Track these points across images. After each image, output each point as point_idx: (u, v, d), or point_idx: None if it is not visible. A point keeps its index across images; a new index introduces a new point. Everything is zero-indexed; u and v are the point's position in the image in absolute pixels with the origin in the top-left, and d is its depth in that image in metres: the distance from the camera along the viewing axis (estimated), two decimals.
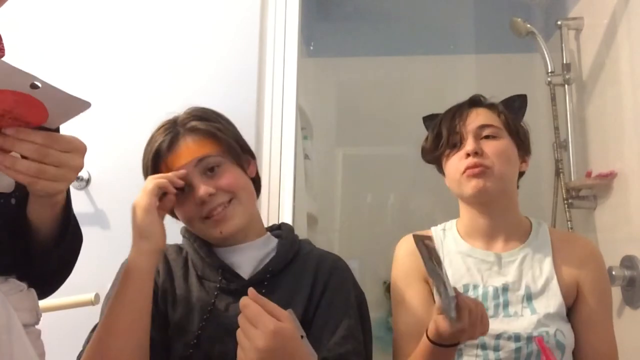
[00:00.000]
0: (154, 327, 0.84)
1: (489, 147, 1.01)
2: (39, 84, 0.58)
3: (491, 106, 1.09)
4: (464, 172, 1.01)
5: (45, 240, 0.74)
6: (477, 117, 1.05)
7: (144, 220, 0.81)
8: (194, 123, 0.91)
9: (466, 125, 1.04)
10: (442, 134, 1.07)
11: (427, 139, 1.13)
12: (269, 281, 0.90)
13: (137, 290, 0.80)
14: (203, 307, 0.88)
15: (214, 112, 0.98)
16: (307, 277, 0.91)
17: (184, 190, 0.88)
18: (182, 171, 0.88)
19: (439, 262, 0.84)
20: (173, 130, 0.91)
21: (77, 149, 0.66)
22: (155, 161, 0.90)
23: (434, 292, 0.89)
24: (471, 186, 1.01)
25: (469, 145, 1.01)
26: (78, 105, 0.62)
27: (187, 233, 0.98)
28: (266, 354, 0.67)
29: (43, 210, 0.72)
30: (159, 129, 0.93)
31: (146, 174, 0.92)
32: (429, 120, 1.16)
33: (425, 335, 0.89)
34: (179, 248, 0.98)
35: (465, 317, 0.81)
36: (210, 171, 0.89)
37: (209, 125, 0.92)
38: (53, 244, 0.74)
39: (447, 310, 0.82)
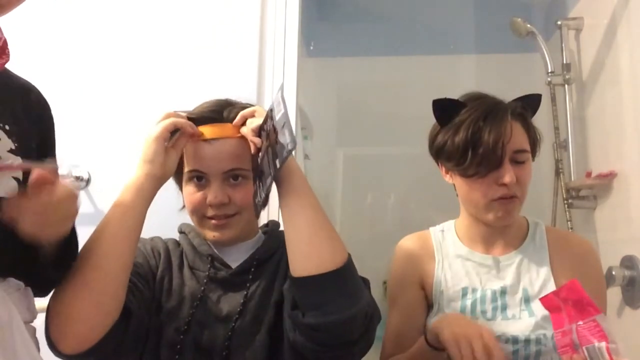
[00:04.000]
0: (148, 313, 0.87)
1: (520, 173, 0.97)
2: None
3: (522, 119, 1.00)
4: (497, 200, 0.97)
5: (46, 255, 0.73)
6: (514, 138, 0.96)
7: (150, 147, 0.86)
8: None
9: (505, 147, 0.94)
10: (477, 150, 0.94)
11: (439, 132, 1.02)
12: (255, 268, 0.94)
13: (132, 204, 0.83)
14: (194, 295, 0.91)
15: None
16: (285, 261, 0.92)
17: (202, 181, 0.92)
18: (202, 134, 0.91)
19: None
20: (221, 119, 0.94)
21: (70, 195, 0.67)
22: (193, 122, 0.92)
23: None
24: (497, 217, 0.99)
25: (508, 176, 0.94)
26: None
27: (183, 228, 1.02)
28: None
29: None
30: (219, 107, 0.95)
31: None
32: (442, 106, 1.01)
33: (424, 337, 0.91)
34: (177, 242, 1.02)
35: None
36: (233, 179, 0.92)
37: None
38: (53, 261, 0.73)
39: None
